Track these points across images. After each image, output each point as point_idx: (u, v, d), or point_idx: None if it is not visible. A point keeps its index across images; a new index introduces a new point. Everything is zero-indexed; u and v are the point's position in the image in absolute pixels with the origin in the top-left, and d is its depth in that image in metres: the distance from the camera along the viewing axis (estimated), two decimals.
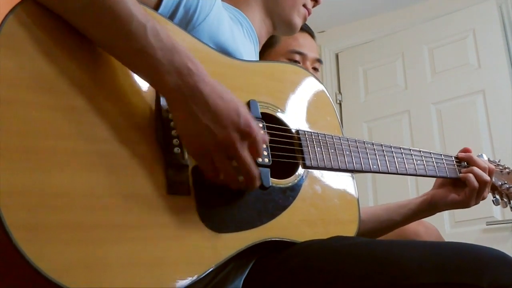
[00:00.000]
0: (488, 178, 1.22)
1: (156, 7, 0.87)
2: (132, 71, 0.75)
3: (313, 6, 1.22)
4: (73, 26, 0.72)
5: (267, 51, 1.58)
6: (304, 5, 1.18)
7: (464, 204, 1.23)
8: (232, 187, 0.79)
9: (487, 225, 2.76)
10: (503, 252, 0.75)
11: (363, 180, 3.11)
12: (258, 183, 0.80)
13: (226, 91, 0.77)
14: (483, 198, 1.25)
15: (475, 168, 1.22)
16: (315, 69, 1.63)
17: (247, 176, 0.78)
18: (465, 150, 1.28)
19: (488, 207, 2.75)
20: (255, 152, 0.78)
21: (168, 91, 0.74)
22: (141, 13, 0.73)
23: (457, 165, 1.24)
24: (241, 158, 0.76)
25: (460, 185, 1.24)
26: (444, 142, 2.99)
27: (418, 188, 2.95)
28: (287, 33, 1.24)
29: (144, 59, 0.72)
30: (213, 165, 0.77)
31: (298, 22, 1.18)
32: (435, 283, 0.71)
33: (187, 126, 0.74)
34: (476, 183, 1.20)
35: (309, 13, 1.20)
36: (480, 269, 0.70)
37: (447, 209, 1.28)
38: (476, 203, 1.23)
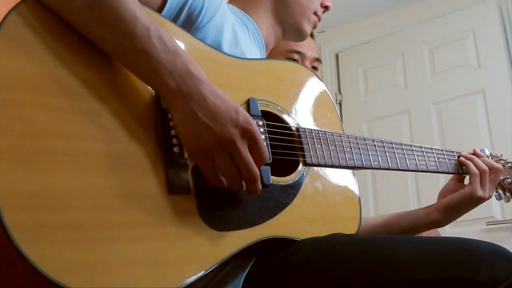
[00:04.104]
0: (485, 168, 1.22)
1: (160, 9, 0.87)
2: (133, 72, 0.76)
3: (323, 12, 1.22)
4: (73, 26, 0.72)
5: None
6: (315, 13, 1.18)
7: (472, 195, 1.20)
8: (233, 189, 0.78)
9: (487, 225, 2.76)
10: (499, 246, 0.75)
11: (363, 176, 3.11)
12: (259, 185, 0.79)
13: (225, 94, 0.77)
14: (489, 196, 1.24)
15: (475, 158, 1.23)
16: (314, 68, 1.63)
17: (247, 176, 0.77)
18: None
19: (488, 207, 2.75)
20: (257, 154, 0.77)
21: (168, 93, 0.74)
22: (144, 16, 0.73)
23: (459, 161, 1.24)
24: (241, 156, 0.76)
25: (461, 179, 1.24)
26: (444, 142, 2.99)
27: (418, 185, 2.96)
28: (296, 39, 1.24)
29: (147, 60, 0.72)
30: (214, 166, 0.76)
31: (308, 29, 1.18)
32: (433, 278, 0.72)
33: (186, 126, 0.74)
34: (475, 169, 1.20)
35: (319, 20, 1.20)
36: (477, 263, 0.71)
37: (463, 211, 1.24)
38: (484, 193, 1.21)
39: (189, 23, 0.91)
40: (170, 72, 0.73)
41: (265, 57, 1.17)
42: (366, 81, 3.48)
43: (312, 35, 1.67)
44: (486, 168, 1.22)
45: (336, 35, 3.60)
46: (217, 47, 0.94)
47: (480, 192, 1.20)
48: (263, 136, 0.88)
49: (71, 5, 0.71)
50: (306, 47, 1.61)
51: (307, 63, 1.60)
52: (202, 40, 0.90)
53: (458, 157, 1.24)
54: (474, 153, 1.27)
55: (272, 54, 1.59)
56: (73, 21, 0.72)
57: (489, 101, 2.98)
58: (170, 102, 0.75)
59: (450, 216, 1.25)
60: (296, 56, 1.58)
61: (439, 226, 1.27)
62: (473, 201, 1.21)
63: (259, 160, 0.78)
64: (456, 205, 1.22)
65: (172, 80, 0.73)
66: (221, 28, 0.97)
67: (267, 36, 1.16)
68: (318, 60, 1.64)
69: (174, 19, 0.89)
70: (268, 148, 0.88)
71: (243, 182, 0.78)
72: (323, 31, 3.55)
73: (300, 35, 1.20)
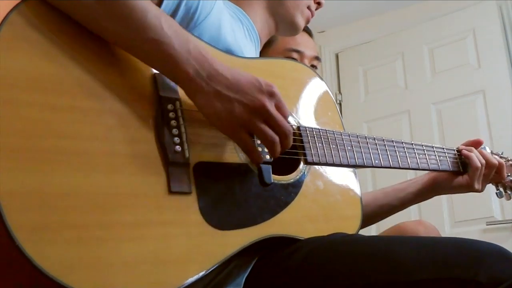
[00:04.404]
0: (484, 161, 1.23)
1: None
2: (147, 63, 0.76)
3: (316, 9, 1.22)
4: (82, 21, 0.72)
5: (264, 50, 1.57)
6: (308, 7, 1.19)
7: (468, 186, 1.23)
8: (273, 151, 0.81)
9: (487, 225, 2.76)
10: (499, 246, 0.75)
11: (363, 175, 3.11)
12: (291, 139, 0.82)
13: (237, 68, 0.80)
14: (482, 189, 1.25)
15: (476, 151, 1.24)
16: (314, 66, 1.63)
17: (283, 132, 0.80)
18: (470, 144, 1.28)
19: (488, 207, 2.75)
20: (282, 112, 0.81)
21: (188, 80, 0.75)
22: (153, 7, 0.74)
23: (459, 158, 1.24)
24: (274, 117, 0.79)
25: (460, 173, 1.25)
26: (444, 142, 2.99)
27: None
28: (289, 33, 1.24)
29: (162, 49, 0.73)
30: (251, 138, 0.79)
31: (301, 23, 1.19)
32: (433, 279, 0.71)
33: (214, 107, 0.76)
34: (478, 163, 1.21)
35: (312, 15, 1.21)
36: (477, 264, 0.71)
37: (449, 193, 1.29)
38: (478, 186, 1.24)
39: (186, 21, 0.91)
40: (186, 58, 0.74)
41: (259, 51, 1.17)
42: (366, 81, 3.48)
43: (310, 34, 1.67)
44: (484, 162, 1.23)
45: (336, 35, 3.60)
46: (217, 43, 0.94)
47: (477, 186, 1.24)
48: None
49: (79, 3, 0.71)
50: (305, 45, 1.61)
51: (306, 62, 1.60)
52: (201, 39, 0.90)
53: (459, 150, 1.25)
54: (470, 143, 1.28)
55: (271, 53, 1.59)
56: (82, 18, 0.72)
57: (489, 101, 2.97)
58: (191, 88, 0.76)
59: (432, 195, 1.30)
60: (295, 55, 1.58)
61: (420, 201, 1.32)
62: (466, 191, 1.26)
63: (285, 117, 0.82)
64: (448, 190, 1.27)
65: (189, 66, 0.74)
66: (219, 25, 0.97)
67: (261, 30, 1.17)
68: (317, 58, 1.64)
69: (172, 17, 0.89)
70: None
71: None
72: (323, 31, 3.55)
73: (293, 29, 1.20)
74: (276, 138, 0.80)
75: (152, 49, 0.73)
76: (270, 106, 0.78)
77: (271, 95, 0.79)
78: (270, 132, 0.79)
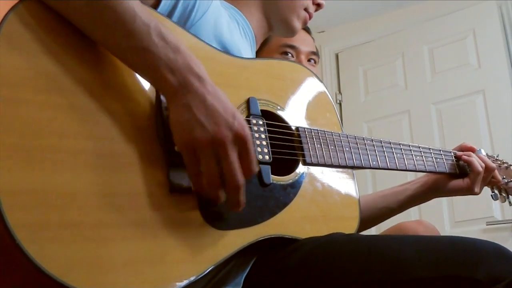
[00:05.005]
0: (484, 166, 1.23)
1: (155, 6, 0.87)
2: (133, 69, 0.75)
3: (316, 10, 1.20)
4: (74, 24, 0.72)
5: (260, 47, 1.56)
6: (305, 9, 1.17)
7: (469, 190, 1.23)
8: (211, 196, 0.74)
9: (487, 225, 2.76)
10: (498, 245, 0.75)
11: (363, 176, 3.11)
12: (241, 197, 0.74)
13: (225, 97, 0.75)
14: (479, 192, 1.26)
15: (475, 156, 1.24)
16: (312, 61, 1.61)
17: (231, 183, 0.72)
18: (466, 149, 1.29)
19: (488, 207, 2.75)
20: (246, 164, 0.74)
21: (168, 88, 0.73)
22: (144, 13, 0.72)
23: (456, 160, 1.25)
24: (228, 160, 0.72)
25: (457, 175, 1.25)
26: (444, 142, 3.00)
27: None
28: (286, 35, 1.23)
29: (147, 58, 0.71)
30: (198, 164, 0.73)
31: (297, 25, 1.17)
32: (432, 277, 0.72)
33: (180, 118, 0.72)
34: (480, 167, 1.22)
35: (310, 17, 1.19)
36: (476, 262, 0.71)
37: (448, 196, 1.29)
38: (478, 190, 1.24)
39: (184, 19, 0.91)
40: (171, 69, 0.72)
41: (254, 50, 1.17)
42: (366, 81, 3.48)
43: (307, 30, 1.65)
44: (484, 165, 1.23)
45: (336, 35, 3.60)
46: (213, 42, 0.94)
47: (476, 189, 1.23)
48: (263, 136, 0.89)
49: (70, 5, 0.71)
50: (300, 41, 1.58)
51: (302, 57, 1.58)
52: (200, 39, 0.90)
53: (458, 156, 1.25)
54: (466, 148, 1.28)
55: (266, 50, 1.57)
56: (73, 20, 0.72)
57: (489, 101, 2.98)
58: (169, 97, 0.73)
59: (431, 197, 1.30)
60: (290, 51, 1.57)
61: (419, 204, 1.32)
62: (466, 194, 1.25)
63: (246, 171, 0.74)
64: (447, 193, 1.26)
65: (172, 76, 0.72)
66: (215, 24, 0.97)
67: (257, 30, 1.16)
68: (315, 53, 1.61)
69: (169, 15, 0.89)
70: (268, 148, 0.89)
71: (221, 193, 0.74)
72: (323, 31, 3.55)
73: (289, 31, 1.19)
74: (218, 182, 0.73)
75: (137, 57, 0.72)
76: (230, 148, 0.72)
77: (239, 139, 0.72)
78: (215, 171, 0.72)
